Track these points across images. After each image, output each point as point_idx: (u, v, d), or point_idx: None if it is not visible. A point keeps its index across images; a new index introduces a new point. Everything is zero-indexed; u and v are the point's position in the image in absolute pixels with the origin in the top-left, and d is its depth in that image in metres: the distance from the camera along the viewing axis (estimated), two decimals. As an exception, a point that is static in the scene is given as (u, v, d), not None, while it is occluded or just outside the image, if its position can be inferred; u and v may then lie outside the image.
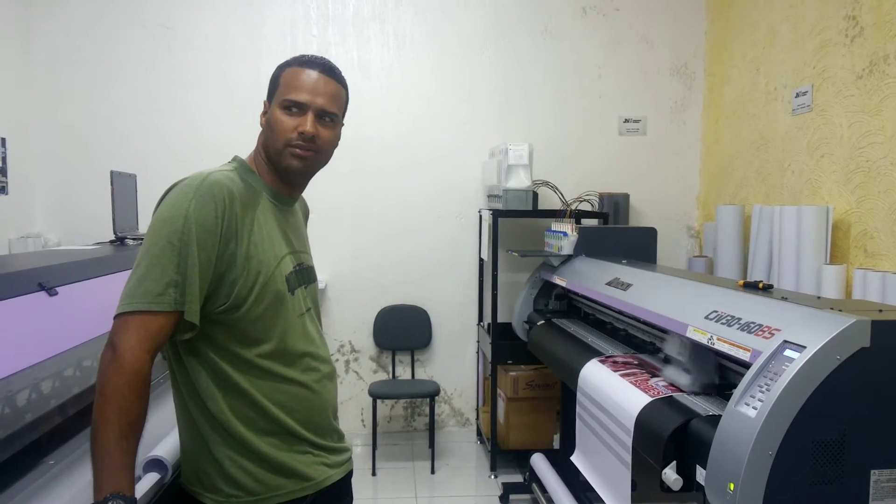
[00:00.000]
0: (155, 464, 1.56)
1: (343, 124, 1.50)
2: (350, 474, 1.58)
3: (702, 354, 1.93)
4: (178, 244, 1.24)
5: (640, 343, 2.53)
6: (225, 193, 1.31)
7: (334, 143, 1.47)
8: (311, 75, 1.41)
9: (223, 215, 1.29)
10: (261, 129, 1.46)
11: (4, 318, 1.47)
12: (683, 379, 1.96)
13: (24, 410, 1.55)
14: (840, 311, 1.51)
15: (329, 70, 1.44)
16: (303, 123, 1.38)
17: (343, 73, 1.49)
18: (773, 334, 1.58)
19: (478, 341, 4.40)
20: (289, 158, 1.40)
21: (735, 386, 1.58)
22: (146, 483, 1.51)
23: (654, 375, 2.12)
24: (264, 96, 1.48)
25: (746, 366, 1.60)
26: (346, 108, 1.50)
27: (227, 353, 1.35)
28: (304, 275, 1.51)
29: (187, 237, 1.25)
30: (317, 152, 1.42)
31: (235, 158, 1.48)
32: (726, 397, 1.76)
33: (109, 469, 1.17)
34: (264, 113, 1.45)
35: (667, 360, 2.14)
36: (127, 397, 1.19)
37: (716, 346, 1.78)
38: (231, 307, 1.32)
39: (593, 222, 3.99)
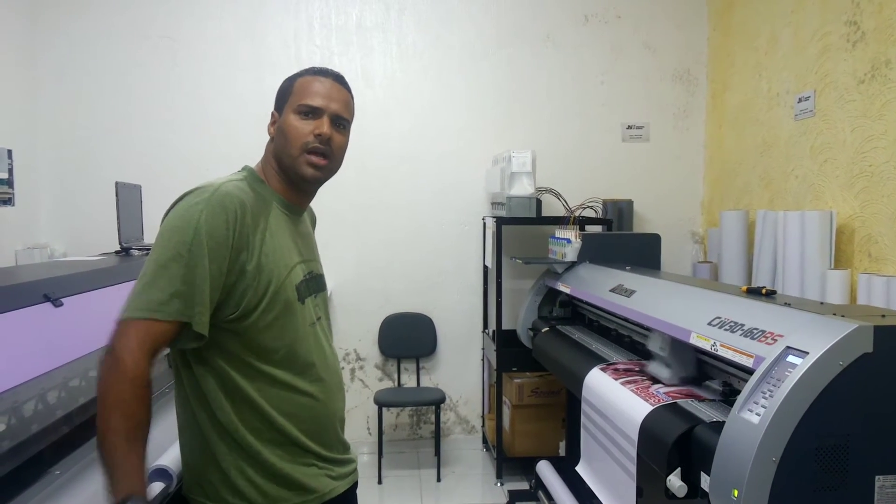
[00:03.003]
0: (160, 473, 1.57)
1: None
2: (355, 486, 1.58)
3: (681, 349, 2.07)
4: (186, 255, 1.25)
5: (644, 350, 2.53)
6: (237, 204, 1.31)
7: (345, 150, 1.49)
8: (325, 83, 1.44)
9: (234, 227, 1.30)
10: (269, 138, 1.48)
11: (10, 330, 1.48)
12: (664, 373, 2.10)
13: (29, 421, 1.56)
14: (843, 316, 1.51)
15: (341, 79, 1.49)
16: (320, 126, 1.41)
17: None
18: (775, 340, 1.58)
19: (483, 349, 4.40)
20: (304, 166, 1.42)
21: (739, 392, 1.58)
22: (151, 493, 1.51)
23: (655, 382, 2.12)
24: (269, 106, 1.49)
25: (750, 372, 1.60)
26: (353, 117, 1.53)
27: (237, 361, 1.35)
28: (315, 283, 1.52)
29: (197, 248, 1.25)
30: (331, 159, 1.44)
31: (245, 168, 1.48)
32: (730, 403, 1.76)
33: (120, 474, 1.17)
34: (273, 122, 1.46)
35: (649, 356, 2.25)
36: (130, 403, 1.20)
37: (719, 353, 1.78)
38: (241, 316, 1.33)
39: (597, 229, 3.99)
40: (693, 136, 4.45)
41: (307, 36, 4.26)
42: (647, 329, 2.28)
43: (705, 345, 1.85)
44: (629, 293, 2.55)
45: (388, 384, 4.38)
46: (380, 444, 3.94)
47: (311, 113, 1.41)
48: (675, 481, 1.65)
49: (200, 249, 1.26)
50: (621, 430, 2.01)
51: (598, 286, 2.89)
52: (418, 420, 4.45)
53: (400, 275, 4.36)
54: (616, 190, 4.30)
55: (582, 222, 3.90)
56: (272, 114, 1.48)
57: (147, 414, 1.23)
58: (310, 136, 1.40)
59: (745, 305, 1.89)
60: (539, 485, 3.29)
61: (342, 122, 1.46)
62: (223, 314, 1.32)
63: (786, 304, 1.78)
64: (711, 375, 2.04)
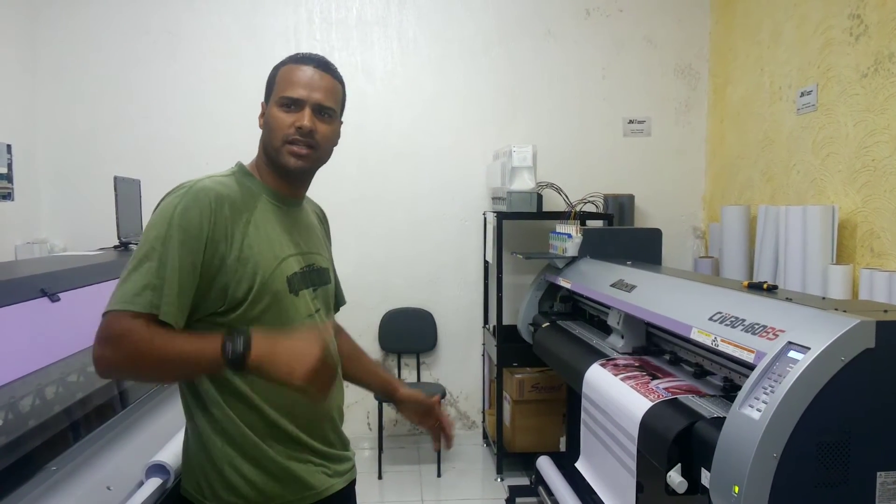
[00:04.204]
0: (157, 469, 1.56)
1: (342, 122, 1.50)
2: (353, 483, 1.56)
3: (633, 322, 2.45)
4: (159, 248, 1.26)
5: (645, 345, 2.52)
6: (211, 198, 1.31)
7: (333, 139, 1.46)
8: (307, 72, 1.41)
9: (210, 219, 1.30)
10: (260, 131, 1.47)
11: (6, 325, 1.47)
12: (619, 343, 2.49)
13: (26, 416, 1.55)
14: (845, 311, 1.50)
15: (324, 66, 1.44)
16: (300, 118, 1.38)
17: (345, 75, 1.49)
18: (777, 335, 1.57)
19: (483, 344, 4.39)
20: (286, 157, 1.39)
21: (739, 388, 1.57)
22: (149, 488, 1.51)
23: (654, 377, 2.11)
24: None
25: (751, 367, 1.59)
26: (343, 104, 1.50)
27: None
28: (315, 276, 1.50)
29: (169, 241, 1.26)
30: (315, 149, 1.41)
31: (236, 164, 1.48)
32: (731, 399, 1.75)
33: (202, 349, 1.21)
34: (262, 114, 1.45)
35: (608, 330, 2.61)
36: (142, 335, 1.20)
37: (720, 348, 1.77)
38: (227, 309, 1.32)
39: (598, 224, 3.98)
40: (694, 131, 4.43)
41: (307, 31, 4.25)
42: (607, 307, 2.65)
43: (706, 340, 1.84)
44: (630, 288, 2.54)
45: (388, 379, 4.36)
46: (380, 439, 3.94)
47: (293, 104, 1.39)
48: (675, 477, 1.64)
49: (172, 242, 1.26)
50: (621, 427, 2.00)
51: (598, 281, 2.88)
52: (419, 415, 4.44)
53: (400, 270, 4.35)
54: (617, 185, 4.29)
55: (583, 217, 3.89)
56: (262, 105, 1.46)
57: (162, 330, 1.23)
58: (291, 129, 1.38)
59: (746, 300, 1.88)
60: (539, 480, 3.28)
61: (326, 111, 1.42)
62: (209, 308, 1.32)
63: (787, 299, 1.77)
64: (712, 371, 2.03)
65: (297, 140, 1.39)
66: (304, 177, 1.48)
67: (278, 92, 1.40)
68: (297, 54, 1.45)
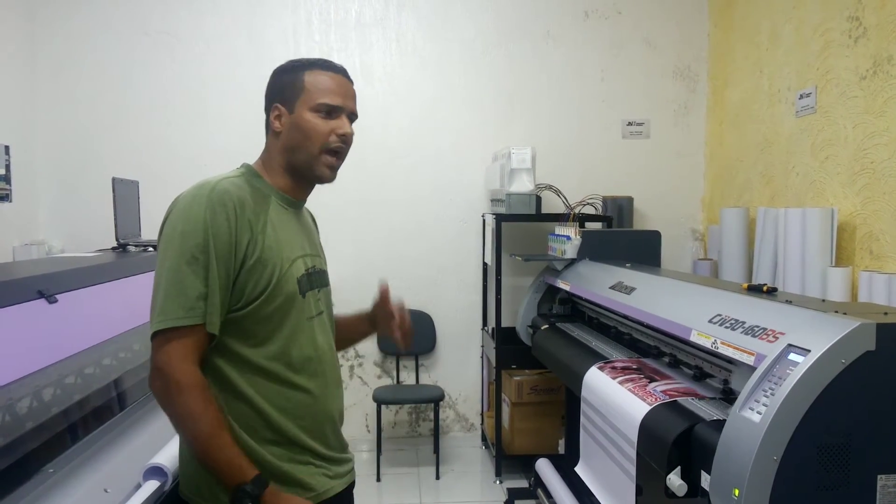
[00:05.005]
0: (155, 471, 1.56)
1: None
2: (352, 485, 1.56)
3: None
4: (201, 258, 1.27)
5: (644, 347, 2.52)
6: (235, 201, 1.32)
7: None
8: (338, 79, 1.45)
9: (235, 224, 1.31)
10: (274, 132, 1.44)
11: (3, 326, 1.46)
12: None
13: (24, 418, 1.54)
14: (845, 314, 1.50)
15: (348, 73, 1.50)
16: (342, 126, 1.42)
17: None
18: (777, 338, 1.57)
19: (482, 346, 4.39)
20: (322, 168, 1.43)
21: (739, 390, 1.56)
22: (146, 491, 1.50)
23: (652, 380, 2.10)
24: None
25: (751, 369, 1.58)
26: None
27: (233, 356, 1.34)
28: (318, 278, 1.52)
29: (209, 249, 1.27)
30: (344, 157, 1.47)
31: (243, 165, 1.48)
32: (731, 401, 1.75)
33: (225, 470, 1.26)
34: (278, 116, 1.43)
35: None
36: (198, 409, 1.25)
37: (720, 350, 1.76)
38: (241, 307, 1.33)
39: (597, 226, 3.98)
40: (693, 133, 4.43)
41: (306, 32, 4.24)
42: (674, 338, 2.12)
43: (706, 342, 1.83)
44: (629, 290, 2.54)
45: (386, 381, 4.37)
46: (378, 441, 3.93)
47: (331, 112, 1.41)
48: (675, 480, 1.64)
49: (211, 251, 1.28)
50: (620, 430, 1.99)
51: (597, 283, 2.88)
52: (417, 418, 4.44)
53: (399, 271, 4.34)
54: (616, 187, 4.29)
55: (582, 219, 3.89)
56: (276, 107, 1.43)
57: (216, 410, 1.28)
58: (331, 136, 1.41)
59: (745, 303, 1.87)
60: (538, 483, 3.27)
61: (353, 119, 1.48)
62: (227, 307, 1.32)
63: (787, 301, 1.77)
64: (711, 373, 2.03)
65: (340, 148, 1.43)
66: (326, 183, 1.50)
67: (313, 98, 1.41)
68: (320, 61, 1.47)
